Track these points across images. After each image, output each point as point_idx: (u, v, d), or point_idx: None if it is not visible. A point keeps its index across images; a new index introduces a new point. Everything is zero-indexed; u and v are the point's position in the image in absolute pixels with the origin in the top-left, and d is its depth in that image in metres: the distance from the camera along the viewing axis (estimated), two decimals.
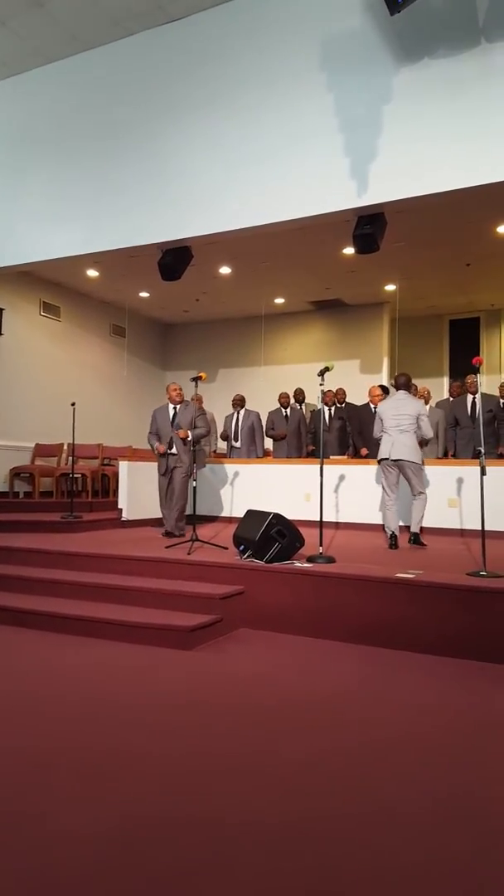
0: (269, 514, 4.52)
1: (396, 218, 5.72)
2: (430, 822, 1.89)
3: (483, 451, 4.24)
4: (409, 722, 2.67)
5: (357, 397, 8.32)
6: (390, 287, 9.79)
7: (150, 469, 7.27)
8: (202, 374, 5.68)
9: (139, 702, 2.87)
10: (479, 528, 4.33)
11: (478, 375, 4.78)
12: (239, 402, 8.11)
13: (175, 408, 6.24)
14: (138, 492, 7.07)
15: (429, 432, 5.56)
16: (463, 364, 10.67)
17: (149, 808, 1.94)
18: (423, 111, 5.14)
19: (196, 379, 5.50)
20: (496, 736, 2.56)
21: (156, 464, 6.37)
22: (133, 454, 7.67)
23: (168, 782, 2.11)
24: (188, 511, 6.12)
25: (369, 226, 5.50)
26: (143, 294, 10.24)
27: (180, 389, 6.31)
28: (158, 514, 6.54)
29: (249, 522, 4.69)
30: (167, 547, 5.06)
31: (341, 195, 5.41)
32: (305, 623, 4.05)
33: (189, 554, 4.72)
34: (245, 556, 4.49)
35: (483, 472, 4.21)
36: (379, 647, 3.77)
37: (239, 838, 1.78)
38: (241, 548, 4.59)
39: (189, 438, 6.05)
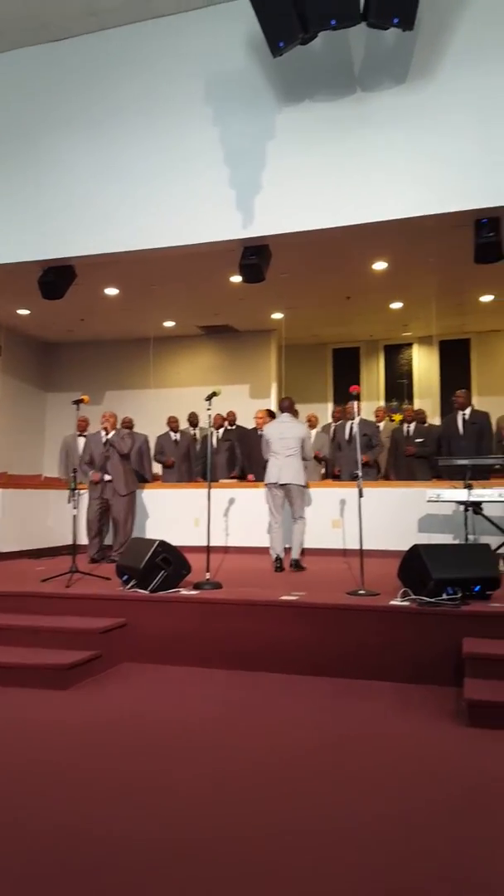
0: (154, 541, 4.41)
1: (281, 250, 5.90)
2: (300, 844, 1.88)
3: (360, 474, 4.42)
4: (283, 746, 2.67)
5: (248, 422, 8.43)
6: (277, 315, 10.08)
7: (28, 497, 6.92)
8: (84, 396, 5.50)
9: (5, 744, 2.65)
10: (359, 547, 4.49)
11: (355, 403, 4.99)
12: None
13: (108, 435, 6.08)
14: (13, 521, 6.65)
15: (309, 455, 5.84)
16: (346, 391, 11.15)
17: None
18: (304, 151, 5.38)
19: (78, 402, 5.32)
20: (379, 756, 2.61)
21: (37, 491, 6.08)
22: (8, 481, 7.23)
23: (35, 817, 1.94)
24: (69, 541, 5.86)
25: (255, 256, 5.65)
26: (23, 311, 9.80)
27: (112, 417, 6.16)
28: (36, 545, 6.22)
29: (134, 551, 4.56)
30: (43, 580, 4.77)
31: (227, 225, 5.51)
32: (191, 652, 3.96)
33: (68, 587, 4.49)
34: (128, 586, 4.35)
35: (360, 495, 4.39)
36: (265, 671, 3.76)
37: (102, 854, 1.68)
38: (125, 577, 4.43)
39: (100, 482, 6.11)
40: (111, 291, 8.77)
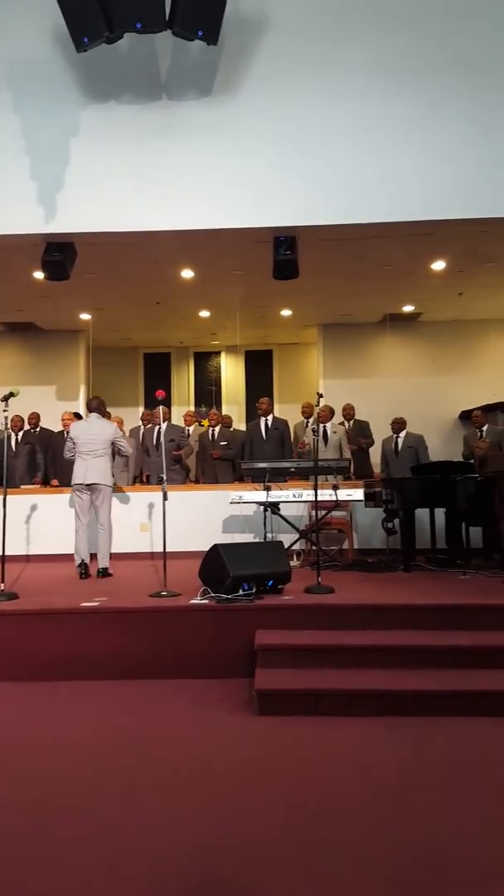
0: None
1: (88, 249, 5.76)
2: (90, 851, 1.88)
3: (165, 478, 4.50)
4: (73, 753, 2.63)
5: (54, 423, 8.07)
6: (85, 316, 9.80)
7: None
8: None
9: None
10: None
11: (160, 407, 5.05)
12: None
13: None
14: None
15: (128, 450, 5.78)
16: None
17: None
18: (108, 151, 5.34)
19: None
20: (173, 753, 2.68)
21: None
22: None
23: None
24: None
25: (59, 253, 5.47)
26: None
27: None
28: None
29: None
30: None
31: (27, 218, 5.27)
32: None
33: None
34: None
35: (165, 498, 4.46)
36: (64, 680, 3.63)
37: None
38: None
39: None
40: None
